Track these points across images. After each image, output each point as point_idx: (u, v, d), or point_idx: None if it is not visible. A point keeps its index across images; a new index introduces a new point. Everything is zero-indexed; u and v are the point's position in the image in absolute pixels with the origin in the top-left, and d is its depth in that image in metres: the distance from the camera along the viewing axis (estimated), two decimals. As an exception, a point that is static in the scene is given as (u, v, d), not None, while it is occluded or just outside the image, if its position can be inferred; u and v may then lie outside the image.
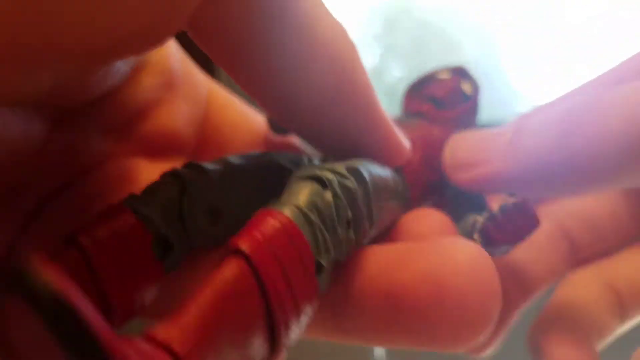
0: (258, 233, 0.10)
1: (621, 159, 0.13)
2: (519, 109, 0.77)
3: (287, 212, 0.11)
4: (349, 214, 0.12)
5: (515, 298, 0.20)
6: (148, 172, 0.16)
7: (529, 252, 0.20)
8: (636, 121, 0.13)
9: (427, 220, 0.15)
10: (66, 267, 0.10)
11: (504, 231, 0.15)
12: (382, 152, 0.15)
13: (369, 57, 0.80)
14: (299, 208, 0.11)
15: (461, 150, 0.17)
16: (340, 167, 0.13)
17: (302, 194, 0.11)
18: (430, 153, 0.18)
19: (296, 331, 0.10)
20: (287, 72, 0.12)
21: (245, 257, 0.10)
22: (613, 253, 0.20)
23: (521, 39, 0.76)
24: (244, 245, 0.10)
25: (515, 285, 0.20)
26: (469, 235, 0.16)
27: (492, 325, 0.11)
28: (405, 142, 0.16)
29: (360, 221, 0.12)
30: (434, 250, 0.11)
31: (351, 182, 0.12)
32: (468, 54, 0.77)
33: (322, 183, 0.12)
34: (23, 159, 0.14)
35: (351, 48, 0.13)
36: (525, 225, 0.15)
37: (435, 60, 0.78)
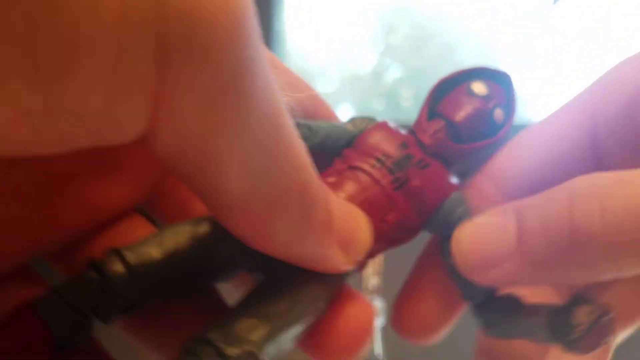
0: None
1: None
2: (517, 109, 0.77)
3: None
4: None
5: None
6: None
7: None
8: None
9: (352, 315, 0.16)
10: None
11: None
12: (320, 268, 0.15)
13: (367, 59, 0.80)
14: None
15: (471, 253, 0.17)
16: (234, 352, 0.13)
17: None
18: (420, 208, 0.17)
19: None
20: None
21: None
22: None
23: (518, 41, 0.77)
24: None
25: None
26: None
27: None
28: (342, 263, 0.15)
29: None
30: None
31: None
32: (465, 56, 0.77)
33: None
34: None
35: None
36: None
37: (432, 62, 0.78)
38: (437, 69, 0.77)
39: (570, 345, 0.15)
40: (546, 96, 0.74)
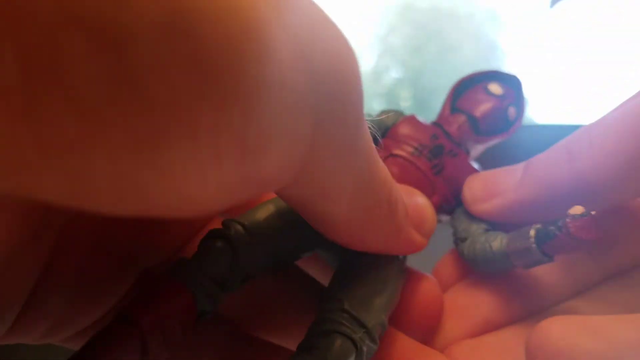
0: None
1: (624, 173, 0.16)
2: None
3: None
4: None
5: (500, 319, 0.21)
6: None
7: (521, 283, 0.21)
8: (633, 138, 0.15)
9: (421, 293, 0.17)
10: (123, 343, 0.12)
11: (589, 230, 0.15)
12: (399, 253, 0.16)
13: (367, 59, 0.80)
14: None
15: (478, 186, 0.19)
16: (373, 323, 0.14)
17: (336, 354, 0.13)
18: (454, 190, 0.19)
19: None
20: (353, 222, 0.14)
21: None
22: None
23: (518, 42, 0.77)
24: None
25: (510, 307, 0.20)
26: (525, 235, 0.17)
27: None
28: (419, 243, 0.17)
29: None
30: None
31: (373, 344, 0.14)
32: (465, 57, 0.77)
33: (356, 346, 0.14)
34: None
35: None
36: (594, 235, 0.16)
37: (432, 63, 0.78)
38: (437, 70, 0.78)
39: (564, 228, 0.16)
40: (547, 97, 0.74)
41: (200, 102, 0.08)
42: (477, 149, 0.20)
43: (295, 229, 0.16)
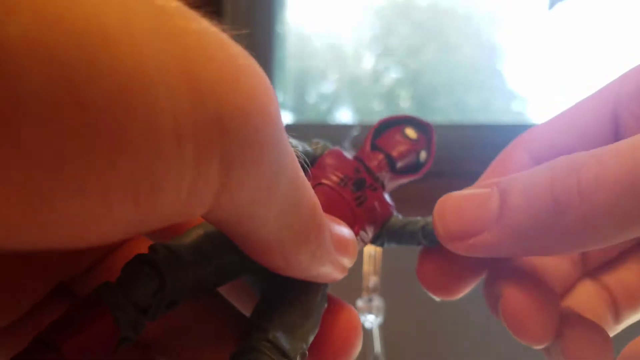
0: None
1: (616, 232, 0.15)
2: (515, 108, 0.78)
3: None
4: None
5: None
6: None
7: (536, 262, 0.21)
8: (630, 186, 0.14)
9: (339, 322, 0.18)
10: None
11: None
12: (323, 280, 0.16)
13: (367, 60, 0.81)
14: None
15: (451, 218, 0.18)
16: (295, 352, 0.15)
17: None
18: (373, 220, 0.20)
19: None
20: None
21: None
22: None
23: (517, 42, 0.77)
24: None
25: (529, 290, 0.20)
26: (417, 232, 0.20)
27: None
28: (342, 268, 0.17)
29: None
30: None
31: None
32: (463, 57, 0.78)
33: None
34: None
35: None
36: None
37: (431, 63, 0.78)
38: (436, 70, 0.78)
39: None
40: (545, 96, 0.75)
41: (86, 160, 0.08)
42: (390, 186, 0.21)
43: (223, 255, 0.16)
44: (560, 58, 0.73)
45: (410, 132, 0.22)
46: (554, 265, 0.21)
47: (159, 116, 0.09)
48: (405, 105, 0.78)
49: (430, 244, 0.20)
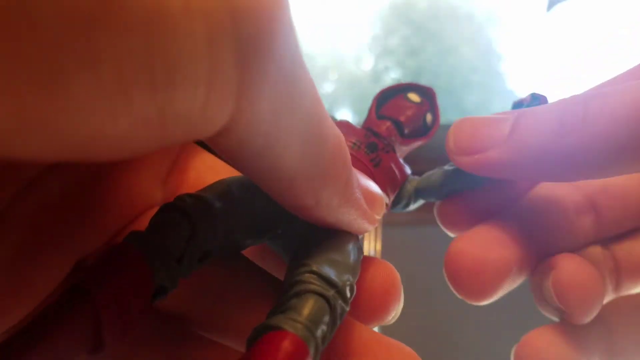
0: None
1: (614, 158, 0.16)
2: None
3: (304, 336, 0.12)
4: (336, 326, 0.14)
5: (527, 260, 0.21)
6: (142, 156, 0.17)
7: (552, 219, 0.21)
8: (627, 119, 0.15)
9: (377, 277, 0.17)
10: (72, 315, 0.11)
11: None
12: (353, 229, 0.16)
13: (366, 60, 0.81)
14: (308, 329, 0.13)
15: (464, 135, 0.19)
16: (343, 282, 0.14)
17: (312, 313, 0.13)
18: (391, 184, 0.20)
19: None
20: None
21: None
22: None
23: (516, 43, 0.77)
24: None
25: (531, 248, 0.20)
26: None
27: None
28: (373, 217, 0.17)
29: (339, 325, 0.15)
30: (387, 351, 0.16)
31: (345, 304, 0.14)
32: (462, 58, 0.78)
33: (329, 303, 0.14)
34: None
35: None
36: None
37: (430, 63, 0.79)
38: (436, 71, 0.78)
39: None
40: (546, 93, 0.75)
41: (97, 29, 0.08)
42: (402, 151, 0.21)
43: (250, 206, 0.15)
44: (560, 58, 0.73)
45: (414, 97, 0.22)
46: (567, 229, 0.21)
47: None
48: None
49: (457, 185, 0.20)
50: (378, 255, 0.50)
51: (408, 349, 0.16)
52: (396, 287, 0.17)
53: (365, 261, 0.17)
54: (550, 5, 0.65)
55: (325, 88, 0.81)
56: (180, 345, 0.16)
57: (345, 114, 0.82)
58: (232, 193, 0.15)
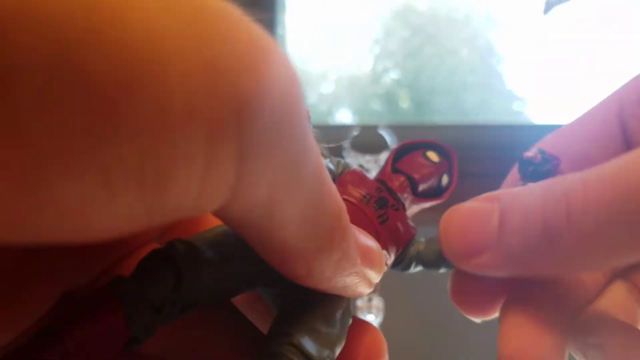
0: None
1: (604, 260, 0.15)
2: (515, 109, 0.78)
3: None
4: None
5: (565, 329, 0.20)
6: None
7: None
8: (614, 214, 0.14)
9: (364, 341, 0.17)
10: (44, 353, 0.11)
11: None
12: (347, 295, 0.16)
13: (366, 61, 0.81)
14: None
15: (456, 239, 0.18)
16: (322, 358, 0.14)
17: None
18: (395, 243, 0.20)
19: None
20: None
21: None
22: None
23: (515, 44, 0.77)
24: None
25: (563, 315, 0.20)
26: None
27: None
28: (369, 283, 0.16)
29: None
30: None
31: None
32: (463, 58, 0.78)
33: None
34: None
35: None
36: None
37: (430, 64, 0.79)
38: (434, 72, 0.78)
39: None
40: (544, 97, 0.75)
41: (87, 139, 0.08)
42: (412, 209, 0.21)
43: (241, 258, 0.15)
44: (559, 58, 0.74)
45: (433, 156, 0.21)
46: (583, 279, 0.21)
47: (169, 96, 0.08)
48: (404, 106, 0.78)
49: (449, 267, 0.20)
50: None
51: None
52: (381, 355, 0.17)
53: (353, 324, 0.17)
54: (547, 9, 0.65)
55: (325, 89, 0.82)
56: None
57: (344, 115, 0.82)
58: (226, 242, 0.15)
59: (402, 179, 0.20)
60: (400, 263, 0.20)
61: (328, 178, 0.13)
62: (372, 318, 0.52)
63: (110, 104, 0.08)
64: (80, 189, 0.08)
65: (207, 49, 0.09)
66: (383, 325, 0.53)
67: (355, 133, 0.59)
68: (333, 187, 0.13)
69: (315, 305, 0.15)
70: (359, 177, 0.20)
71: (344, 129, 0.70)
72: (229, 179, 0.10)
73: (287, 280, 0.14)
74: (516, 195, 0.17)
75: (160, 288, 0.13)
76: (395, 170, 0.21)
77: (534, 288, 0.19)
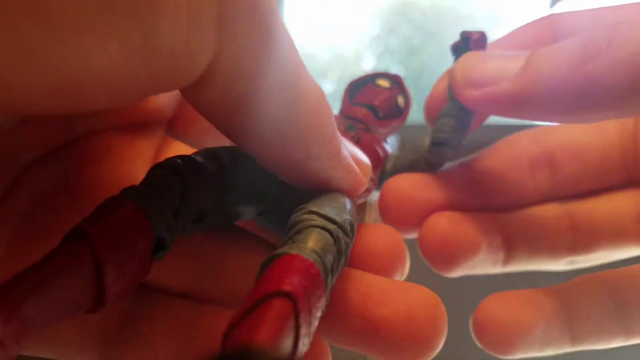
0: (296, 279, 0.12)
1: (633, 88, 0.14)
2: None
3: (312, 258, 0.13)
4: (343, 260, 0.15)
5: (471, 204, 0.21)
6: (128, 146, 0.17)
7: (501, 170, 0.21)
8: None
9: (380, 239, 0.17)
10: (72, 257, 0.11)
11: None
12: (344, 187, 0.16)
13: (367, 59, 0.81)
14: (319, 255, 0.13)
15: (474, 68, 0.17)
16: (342, 219, 0.15)
17: (317, 242, 0.13)
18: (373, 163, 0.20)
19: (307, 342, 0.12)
20: (271, 129, 0.13)
21: (292, 301, 0.11)
22: (596, 197, 0.21)
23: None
24: (290, 288, 0.11)
25: (476, 192, 0.20)
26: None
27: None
28: (362, 176, 0.16)
29: (346, 260, 0.15)
30: (408, 294, 0.15)
31: (348, 239, 0.15)
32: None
33: (332, 235, 0.14)
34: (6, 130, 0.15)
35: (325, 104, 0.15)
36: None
37: (431, 62, 0.78)
38: (435, 70, 0.78)
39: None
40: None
41: None
42: (380, 134, 0.22)
43: (240, 172, 0.15)
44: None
45: (383, 82, 0.23)
46: (519, 182, 0.21)
47: None
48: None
49: (435, 156, 0.21)
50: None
51: (429, 292, 0.15)
52: (400, 248, 0.16)
53: (367, 227, 0.17)
54: (553, 3, 0.65)
55: (326, 87, 0.81)
56: (192, 320, 0.16)
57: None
58: (221, 158, 0.15)
59: (362, 109, 0.22)
60: (382, 182, 0.21)
61: (302, 63, 0.13)
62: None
63: None
64: (80, 10, 0.08)
65: None
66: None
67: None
68: (308, 73, 0.13)
69: (321, 195, 0.15)
70: None
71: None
72: (211, 20, 0.10)
73: (285, 201, 0.15)
74: (544, 47, 0.17)
75: (172, 194, 0.13)
76: (355, 104, 0.22)
77: (466, 194, 0.20)
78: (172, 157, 0.14)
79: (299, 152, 0.13)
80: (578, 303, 0.20)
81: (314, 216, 0.14)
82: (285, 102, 0.12)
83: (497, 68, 0.17)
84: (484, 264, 0.20)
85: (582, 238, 0.20)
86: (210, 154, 0.15)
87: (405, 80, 0.23)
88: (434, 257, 0.20)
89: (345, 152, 0.15)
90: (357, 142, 0.20)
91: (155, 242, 0.13)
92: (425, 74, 0.79)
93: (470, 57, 0.18)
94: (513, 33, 0.21)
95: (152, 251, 0.13)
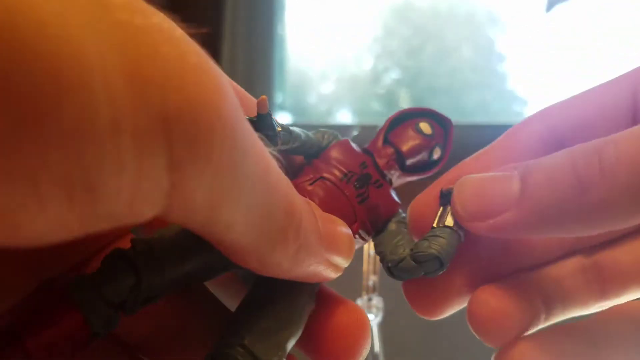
0: None
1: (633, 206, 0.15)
2: (515, 108, 0.78)
3: None
4: None
5: (506, 269, 0.20)
6: None
7: (506, 142, 0.21)
8: None
9: (345, 318, 0.17)
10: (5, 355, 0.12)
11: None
12: (314, 280, 0.16)
13: (366, 61, 0.81)
14: None
15: (471, 198, 0.18)
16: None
17: None
18: (374, 218, 0.19)
19: None
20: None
21: None
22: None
23: (515, 43, 0.77)
24: None
25: (509, 258, 0.20)
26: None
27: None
28: (337, 265, 0.16)
29: None
30: None
31: None
32: (464, 57, 0.78)
33: None
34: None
35: None
36: None
37: (430, 64, 0.79)
38: (434, 71, 0.78)
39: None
40: (544, 97, 0.75)
41: (14, 145, 0.08)
42: (399, 182, 0.20)
43: (207, 249, 0.15)
44: (560, 58, 0.74)
45: (425, 127, 0.20)
46: (516, 145, 0.20)
47: (94, 106, 0.08)
48: (404, 105, 0.78)
49: (398, 277, 0.19)
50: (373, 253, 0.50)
51: None
52: (364, 329, 0.17)
53: (334, 301, 0.17)
54: (549, 7, 0.65)
55: (325, 88, 0.82)
56: None
57: (344, 114, 0.82)
58: (184, 240, 0.15)
59: (390, 151, 0.20)
60: (382, 232, 0.19)
61: (277, 178, 0.13)
62: (372, 318, 0.52)
63: (35, 110, 0.08)
64: (10, 193, 0.08)
65: (130, 62, 0.09)
66: (383, 325, 0.53)
67: (355, 133, 0.59)
68: (284, 185, 0.13)
69: (276, 294, 0.15)
70: (344, 151, 0.19)
71: (344, 129, 0.70)
72: (163, 187, 0.10)
73: None
74: (533, 162, 0.17)
75: (118, 288, 0.14)
76: (386, 142, 0.20)
77: (493, 267, 0.20)
78: (137, 240, 0.15)
79: (255, 263, 0.13)
80: (605, 335, 0.20)
81: (239, 353, 0.14)
82: (247, 230, 0.12)
83: (496, 196, 0.17)
84: (530, 328, 0.20)
85: (611, 288, 0.21)
86: (174, 236, 0.15)
87: (419, 102, 0.21)
88: (487, 334, 0.20)
89: (314, 253, 0.15)
90: (361, 203, 0.19)
91: (93, 335, 0.13)
92: (424, 74, 0.79)
93: (465, 187, 0.18)
94: (590, 93, 0.21)
95: (91, 337, 0.14)
